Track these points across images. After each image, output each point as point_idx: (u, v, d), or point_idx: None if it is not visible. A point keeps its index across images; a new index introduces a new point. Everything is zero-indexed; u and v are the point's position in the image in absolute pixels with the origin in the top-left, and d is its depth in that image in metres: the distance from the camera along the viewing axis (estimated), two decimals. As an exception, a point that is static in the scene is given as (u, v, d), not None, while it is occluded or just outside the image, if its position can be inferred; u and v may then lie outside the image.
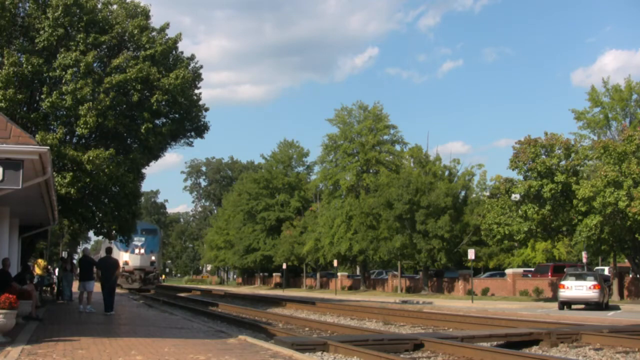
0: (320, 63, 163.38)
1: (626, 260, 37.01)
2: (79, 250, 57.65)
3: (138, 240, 46.11)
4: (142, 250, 47.95)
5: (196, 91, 25.79)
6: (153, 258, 48.90)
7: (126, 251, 45.89)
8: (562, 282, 27.52)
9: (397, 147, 54.06)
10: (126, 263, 46.66)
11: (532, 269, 43.47)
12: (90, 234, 53.22)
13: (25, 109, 21.87)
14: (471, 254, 33.96)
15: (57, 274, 28.29)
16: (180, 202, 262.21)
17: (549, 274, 37.99)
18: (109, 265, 18.76)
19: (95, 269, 19.66)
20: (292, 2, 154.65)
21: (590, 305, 27.04)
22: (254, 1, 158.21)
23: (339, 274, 57.47)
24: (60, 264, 27.58)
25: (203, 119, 26.60)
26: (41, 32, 21.19)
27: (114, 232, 26.54)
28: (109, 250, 20.51)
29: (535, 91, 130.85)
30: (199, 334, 13.28)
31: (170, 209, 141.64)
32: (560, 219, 32.16)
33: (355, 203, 49.61)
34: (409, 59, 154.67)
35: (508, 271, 42.53)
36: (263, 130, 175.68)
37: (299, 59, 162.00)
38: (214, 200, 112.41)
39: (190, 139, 27.13)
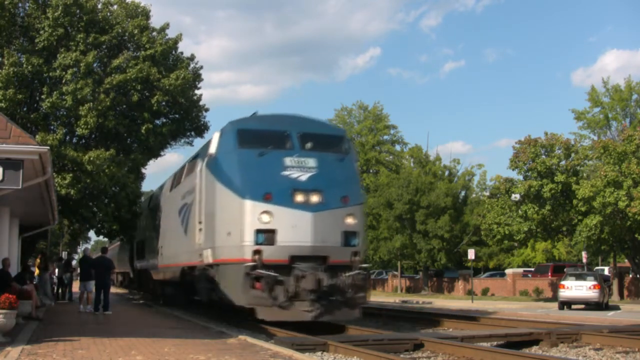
0: (321, 63, 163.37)
1: (626, 260, 37.04)
2: (79, 251, 57.56)
3: (296, 166, 14.99)
4: (315, 197, 14.59)
5: (196, 91, 25.81)
6: (350, 221, 14.93)
7: (256, 199, 14.46)
8: (562, 282, 27.53)
9: (397, 147, 54.17)
10: (267, 236, 14.28)
11: (532, 269, 43.52)
12: (91, 234, 50.15)
13: (25, 109, 21.88)
14: (471, 254, 33.98)
15: (57, 274, 28.27)
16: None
17: (549, 274, 38.03)
18: (104, 265, 19.10)
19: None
20: (293, 2, 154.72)
21: (590, 305, 27.04)
22: (254, 1, 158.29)
23: (339, 274, 57.32)
24: (57, 263, 27.59)
25: (203, 119, 26.63)
26: (41, 32, 21.19)
27: (114, 232, 26.62)
28: (104, 250, 20.88)
29: (535, 91, 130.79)
30: (199, 334, 13.28)
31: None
32: (560, 219, 32.18)
33: (355, 203, 49.55)
34: (411, 59, 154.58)
35: (508, 271, 42.58)
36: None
37: (300, 59, 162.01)
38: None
39: (191, 138, 27.19)
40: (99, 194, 22.81)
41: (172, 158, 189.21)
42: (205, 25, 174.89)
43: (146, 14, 24.01)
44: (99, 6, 22.99)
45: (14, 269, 16.77)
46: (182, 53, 25.37)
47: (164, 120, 25.10)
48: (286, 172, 14.84)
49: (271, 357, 9.48)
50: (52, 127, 21.98)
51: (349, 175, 15.99)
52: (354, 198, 15.37)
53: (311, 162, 15.18)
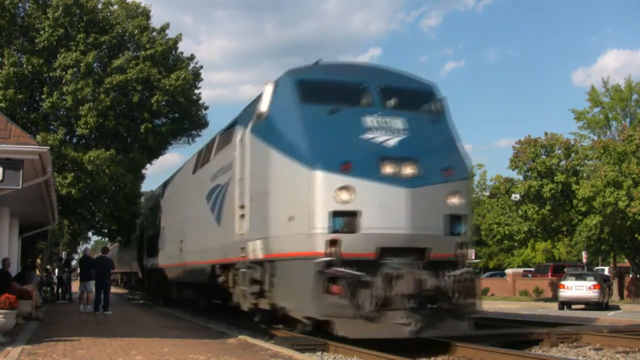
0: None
1: (626, 260, 37.06)
2: (79, 251, 57.57)
3: (380, 127, 11.43)
4: (409, 168, 10.95)
5: (196, 91, 25.84)
6: (455, 200, 11.32)
7: (331, 169, 10.75)
8: (562, 282, 27.55)
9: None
10: (347, 221, 10.62)
11: (532, 269, 43.54)
12: (91, 233, 49.90)
13: (25, 109, 21.93)
14: (471, 254, 33.99)
15: (56, 273, 28.32)
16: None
17: (549, 274, 38.06)
18: (104, 265, 19.09)
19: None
20: (294, 2, 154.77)
21: (590, 305, 27.06)
22: (255, 1, 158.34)
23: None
24: (57, 263, 27.62)
25: (202, 118, 26.69)
26: (41, 32, 21.22)
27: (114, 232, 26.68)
28: (104, 250, 20.94)
29: (535, 91, 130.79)
30: (199, 334, 13.28)
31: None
32: (560, 219, 32.24)
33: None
34: (411, 59, 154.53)
35: (508, 271, 42.59)
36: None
37: (301, 59, 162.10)
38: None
39: (190, 137, 27.23)
40: (98, 193, 22.85)
41: (173, 158, 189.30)
42: (206, 25, 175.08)
43: (146, 14, 24.04)
44: (99, 6, 23.02)
45: (14, 269, 16.77)
46: (182, 53, 25.41)
47: (164, 120, 25.15)
48: (368, 135, 11.32)
49: (271, 357, 9.48)
50: (52, 127, 22.02)
51: (447, 140, 12.28)
52: (458, 170, 11.73)
53: (399, 123, 11.66)
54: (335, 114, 11.52)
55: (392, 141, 11.28)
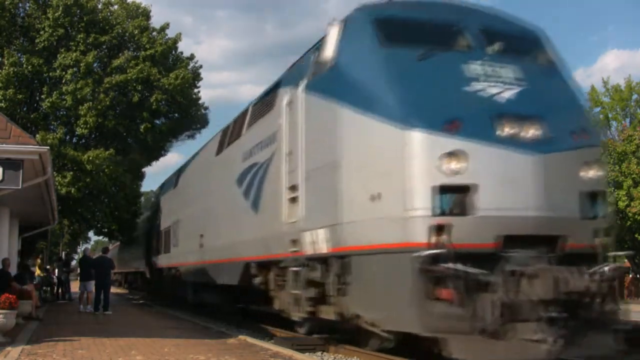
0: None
1: (626, 260, 37.07)
2: (79, 251, 57.58)
3: (489, 76, 8.62)
4: (534, 129, 7.99)
5: (195, 90, 25.87)
6: (591, 173, 8.38)
7: (433, 128, 7.82)
8: (562, 282, 27.58)
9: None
10: (458, 199, 7.68)
11: (532, 269, 43.54)
12: (91, 234, 49.65)
13: (25, 109, 21.96)
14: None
15: (56, 273, 28.33)
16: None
17: (549, 274, 38.05)
18: (104, 265, 19.14)
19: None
20: (294, 2, 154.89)
21: (590, 305, 27.05)
22: (255, 1, 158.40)
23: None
24: (57, 263, 27.61)
25: (202, 117, 26.72)
26: (41, 32, 21.25)
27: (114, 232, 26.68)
28: (105, 250, 20.99)
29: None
30: (199, 334, 13.28)
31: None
32: (561, 219, 32.29)
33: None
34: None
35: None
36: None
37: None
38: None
39: (193, 131, 27.24)
40: (98, 193, 22.86)
41: (174, 158, 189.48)
42: (206, 25, 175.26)
43: (146, 15, 24.06)
44: (99, 6, 23.04)
45: (14, 269, 16.77)
46: (181, 53, 25.44)
47: (163, 120, 25.17)
48: (475, 86, 8.51)
49: (271, 357, 9.48)
50: (52, 127, 22.05)
51: (569, 96, 9.36)
52: (591, 134, 8.93)
53: (509, 72, 8.89)
54: (428, 59, 8.79)
55: (507, 94, 8.50)
